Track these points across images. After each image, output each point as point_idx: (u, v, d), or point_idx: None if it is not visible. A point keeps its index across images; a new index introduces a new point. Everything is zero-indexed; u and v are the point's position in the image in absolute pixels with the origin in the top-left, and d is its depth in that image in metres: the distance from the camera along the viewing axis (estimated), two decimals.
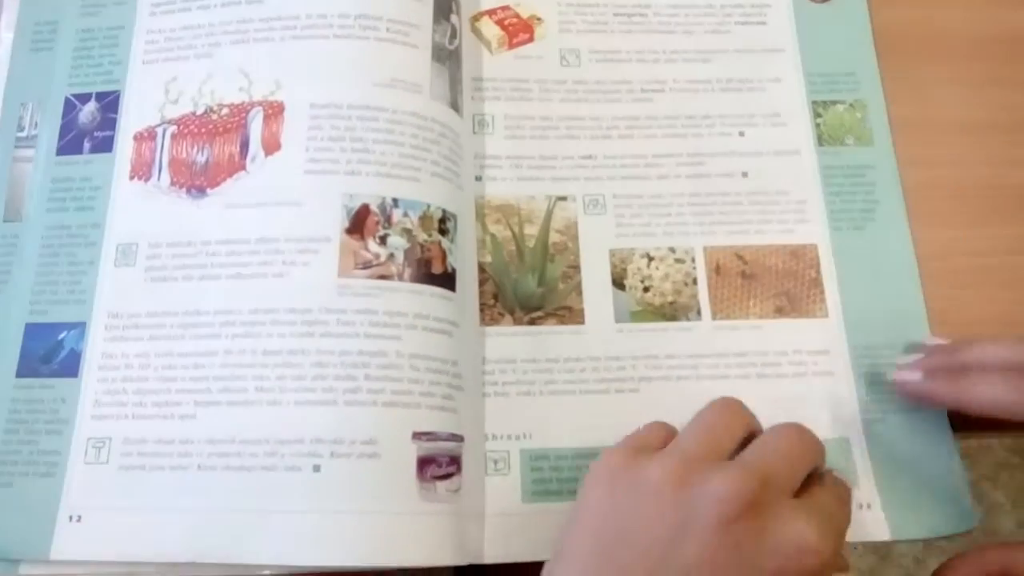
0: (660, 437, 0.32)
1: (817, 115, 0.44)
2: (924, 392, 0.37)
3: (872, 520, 0.37)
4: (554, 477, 0.37)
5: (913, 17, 0.47)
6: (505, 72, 0.44)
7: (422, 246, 0.38)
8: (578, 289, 0.40)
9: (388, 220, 0.38)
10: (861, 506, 0.37)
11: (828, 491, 0.32)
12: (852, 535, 0.36)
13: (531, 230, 0.41)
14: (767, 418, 0.33)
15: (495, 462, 0.38)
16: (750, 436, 0.32)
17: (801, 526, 0.28)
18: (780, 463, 0.30)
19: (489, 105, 0.43)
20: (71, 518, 0.35)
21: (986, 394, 0.35)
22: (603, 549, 0.29)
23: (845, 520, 0.32)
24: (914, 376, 0.37)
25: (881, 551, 1.03)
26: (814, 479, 0.32)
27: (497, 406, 0.38)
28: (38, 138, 0.42)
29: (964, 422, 0.38)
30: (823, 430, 0.38)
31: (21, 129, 0.42)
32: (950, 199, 0.44)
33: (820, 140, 0.44)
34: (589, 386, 0.39)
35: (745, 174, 0.43)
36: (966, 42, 0.47)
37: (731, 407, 0.33)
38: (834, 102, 0.44)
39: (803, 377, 0.39)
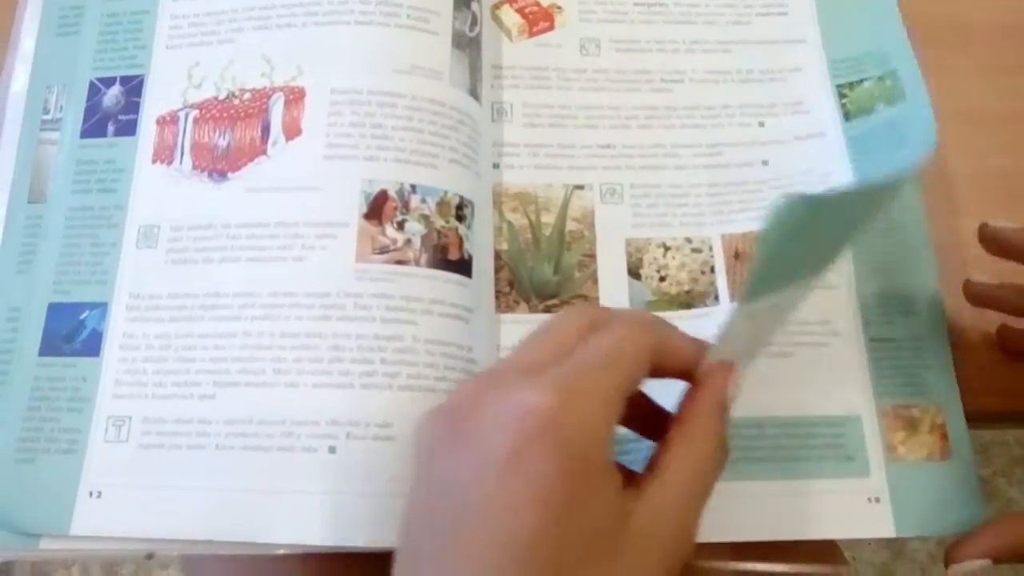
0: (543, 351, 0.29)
1: (843, 96, 0.44)
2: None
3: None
4: None
5: (939, 5, 0.47)
6: (525, 60, 0.44)
7: (439, 232, 0.38)
8: (594, 278, 0.41)
9: (406, 206, 0.38)
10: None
11: (593, 347, 0.28)
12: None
13: (548, 218, 0.41)
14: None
15: None
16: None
17: (523, 393, 0.26)
18: (596, 368, 0.27)
19: (508, 93, 0.44)
20: (91, 494, 0.36)
21: None
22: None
23: (605, 371, 0.27)
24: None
25: (895, 547, 1.02)
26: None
27: None
28: (63, 121, 0.42)
29: (978, 415, 0.38)
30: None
31: (47, 112, 0.43)
32: (969, 189, 0.43)
33: (847, 116, 0.43)
34: None
35: (765, 162, 0.43)
36: (992, 30, 0.47)
37: (564, 314, 0.30)
38: (860, 81, 0.44)
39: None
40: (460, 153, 0.40)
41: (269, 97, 0.40)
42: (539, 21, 0.45)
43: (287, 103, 0.40)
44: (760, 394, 0.37)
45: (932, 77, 0.44)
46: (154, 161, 0.41)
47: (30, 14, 0.45)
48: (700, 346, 0.30)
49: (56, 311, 0.39)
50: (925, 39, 0.45)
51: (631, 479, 0.27)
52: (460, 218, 0.39)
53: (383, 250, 0.38)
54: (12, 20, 0.45)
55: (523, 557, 0.24)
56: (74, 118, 0.42)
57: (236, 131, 0.40)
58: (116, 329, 0.38)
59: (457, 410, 0.27)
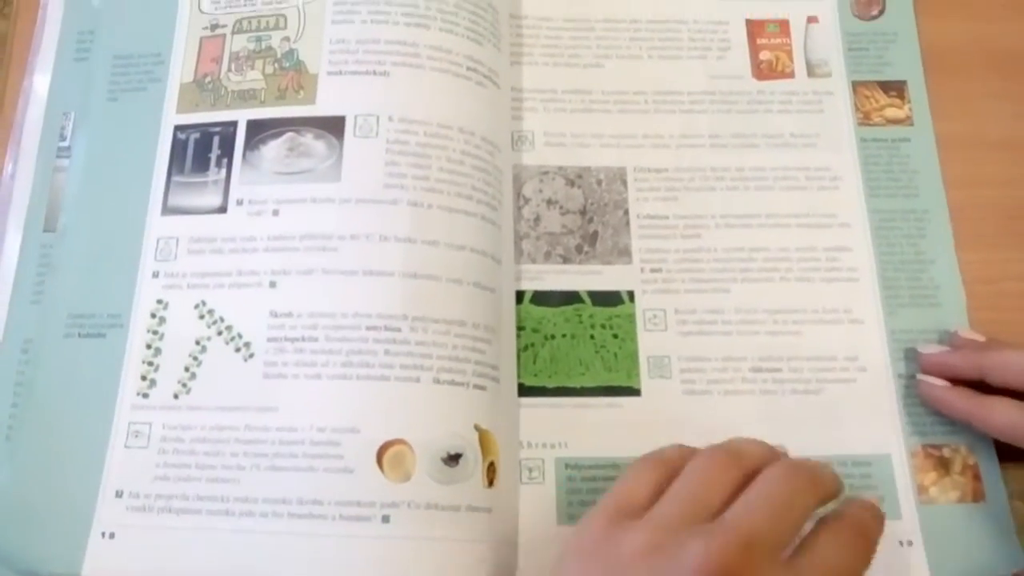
0: (648, 491, 0.31)
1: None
2: (943, 403, 0.37)
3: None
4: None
5: (962, 31, 0.46)
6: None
7: None
8: None
9: None
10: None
11: (833, 539, 0.29)
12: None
13: None
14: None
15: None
16: (748, 480, 0.30)
17: (696, 542, 0.27)
18: (766, 518, 0.28)
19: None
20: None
21: (1003, 419, 0.35)
22: None
23: (856, 570, 0.29)
24: (937, 384, 0.37)
25: None
26: (824, 523, 0.30)
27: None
28: (74, 148, 0.42)
29: (1010, 452, 0.37)
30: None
31: (63, 139, 0.42)
32: (998, 219, 0.43)
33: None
34: None
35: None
36: (1016, 57, 0.46)
37: (718, 461, 0.31)
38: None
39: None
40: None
41: None
42: None
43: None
44: (787, 431, 0.37)
45: (964, 106, 0.44)
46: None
47: (48, 38, 0.45)
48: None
49: None
50: (951, 64, 0.45)
51: None
52: None
53: None
54: (31, 44, 0.45)
55: None
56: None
57: None
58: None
59: (617, 555, 0.28)
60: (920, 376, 0.38)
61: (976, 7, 0.46)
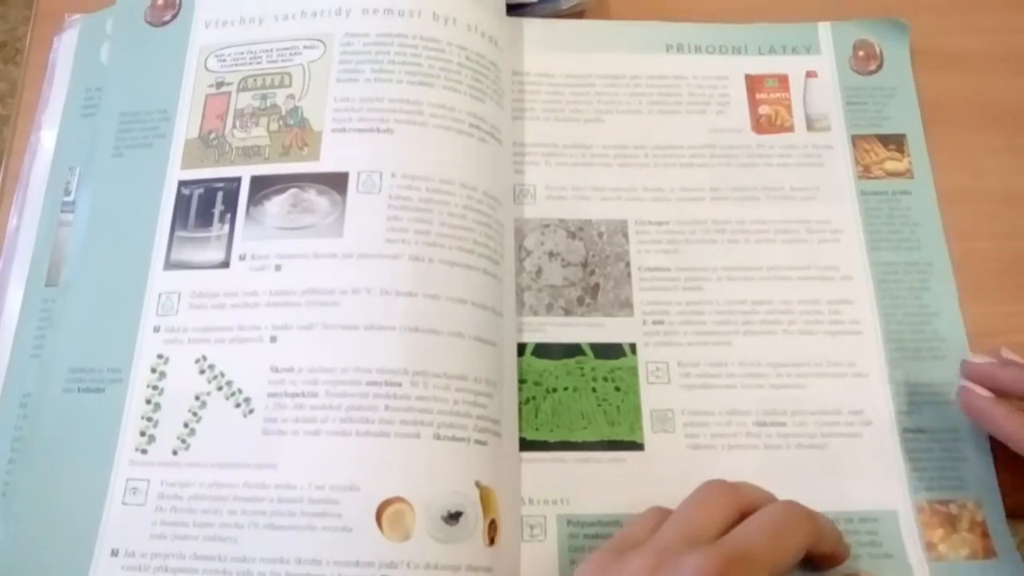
0: (649, 528, 0.32)
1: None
2: (986, 414, 0.36)
3: None
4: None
5: (961, 85, 0.46)
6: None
7: None
8: None
9: None
10: None
11: (757, 522, 0.31)
12: None
13: None
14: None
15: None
16: (745, 516, 0.32)
17: (693, 559, 0.28)
18: (761, 541, 0.30)
19: None
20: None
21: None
22: None
23: (770, 548, 0.30)
24: (983, 393, 0.36)
25: None
26: None
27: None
28: (78, 203, 0.42)
29: (1017, 508, 0.37)
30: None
31: (68, 194, 0.43)
32: (1000, 272, 0.42)
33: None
34: None
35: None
36: (1014, 111, 0.46)
37: (715, 491, 0.32)
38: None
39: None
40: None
41: None
42: None
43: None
44: (792, 486, 0.36)
45: (963, 157, 0.44)
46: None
47: (56, 94, 0.45)
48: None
49: None
50: (951, 119, 0.45)
51: None
52: None
53: None
54: (39, 98, 0.45)
55: None
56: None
57: None
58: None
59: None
60: (964, 382, 0.37)
61: (973, 63, 0.47)
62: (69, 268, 0.41)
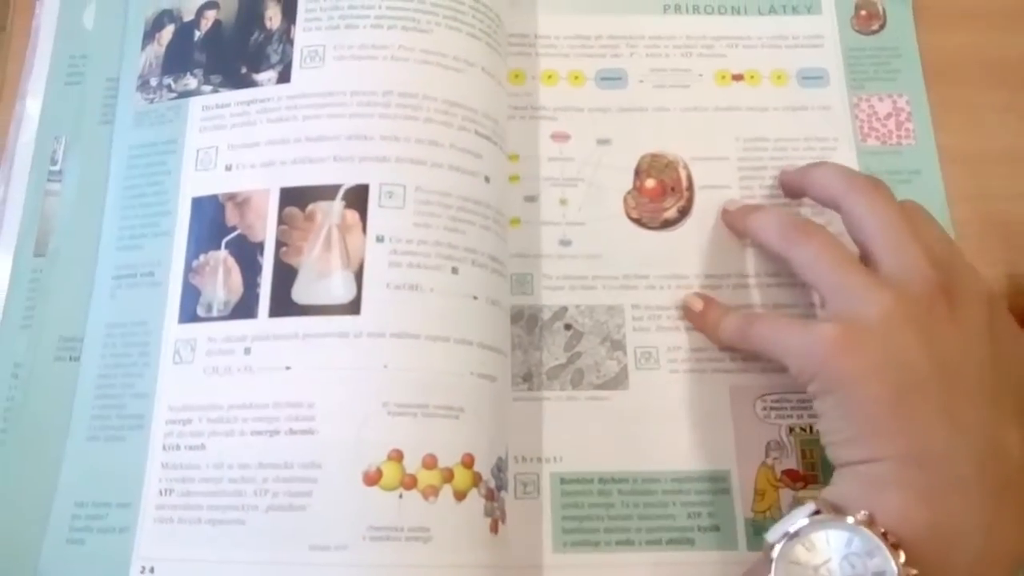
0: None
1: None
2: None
3: None
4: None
5: (964, 43, 0.45)
6: None
7: None
8: None
9: None
10: None
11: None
12: None
13: None
14: None
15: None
16: None
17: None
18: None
19: None
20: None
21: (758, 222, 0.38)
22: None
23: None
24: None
25: None
26: None
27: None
28: (66, 173, 0.41)
29: None
30: None
31: (54, 163, 0.42)
32: (1003, 234, 0.42)
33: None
34: None
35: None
36: (1019, 68, 0.45)
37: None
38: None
39: None
40: None
41: None
42: None
43: None
44: None
45: (967, 117, 0.44)
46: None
47: (39, 61, 0.44)
48: None
49: None
50: (953, 77, 0.44)
51: None
52: None
53: None
54: (21, 68, 0.44)
55: None
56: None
57: None
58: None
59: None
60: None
61: (977, 21, 0.46)
62: (57, 238, 0.40)
